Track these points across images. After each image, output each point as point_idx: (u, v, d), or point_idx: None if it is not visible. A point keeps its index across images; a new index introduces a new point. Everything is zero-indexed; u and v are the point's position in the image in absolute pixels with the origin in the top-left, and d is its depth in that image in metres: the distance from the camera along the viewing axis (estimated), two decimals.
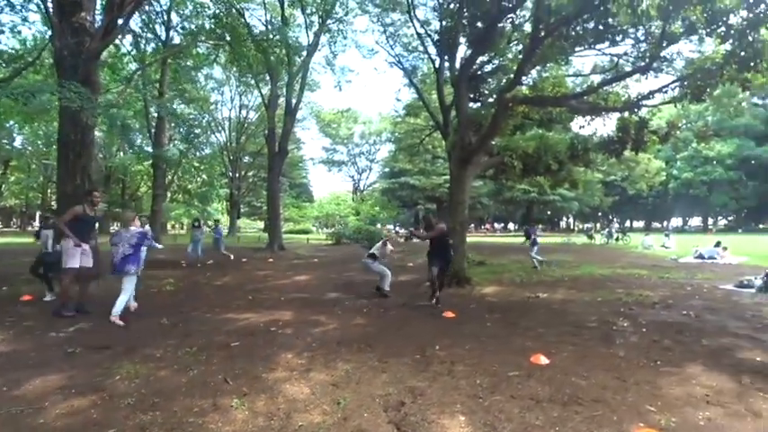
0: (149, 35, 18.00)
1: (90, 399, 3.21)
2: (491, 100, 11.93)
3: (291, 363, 4.10)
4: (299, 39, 20.91)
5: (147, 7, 16.12)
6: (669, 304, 7.09)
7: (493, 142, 10.31)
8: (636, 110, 9.62)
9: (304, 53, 20.09)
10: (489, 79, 11.76)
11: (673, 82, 8.70)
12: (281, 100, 22.70)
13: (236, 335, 5.12)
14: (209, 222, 14.63)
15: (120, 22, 10.54)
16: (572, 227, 68.26)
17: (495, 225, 70.50)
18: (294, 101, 21.82)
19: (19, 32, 15.41)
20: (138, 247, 6.22)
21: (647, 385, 3.57)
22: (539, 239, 13.74)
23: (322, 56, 23.38)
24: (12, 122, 26.56)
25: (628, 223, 67.03)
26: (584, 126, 11.48)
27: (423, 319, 6.19)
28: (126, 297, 5.93)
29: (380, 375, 3.78)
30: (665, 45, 8.26)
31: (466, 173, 9.19)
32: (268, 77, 21.41)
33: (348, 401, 3.19)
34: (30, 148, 33.82)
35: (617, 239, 27.28)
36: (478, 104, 12.11)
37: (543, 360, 4.16)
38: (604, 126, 14.21)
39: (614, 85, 10.38)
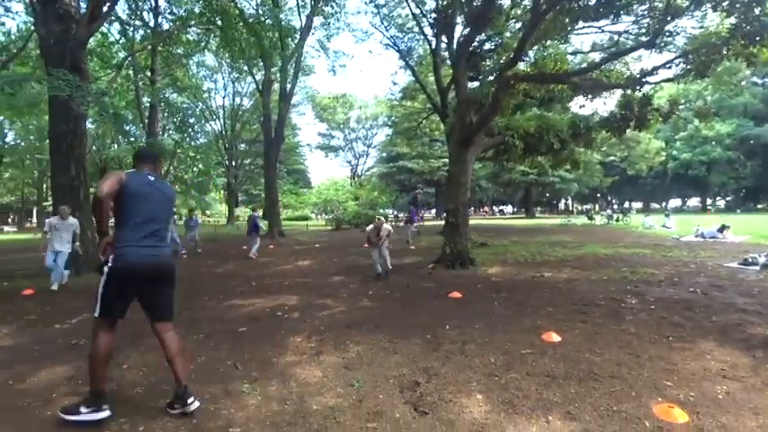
0: (137, 22, 17.56)
1: None
2: (490, 78, 11.77)
3: (301, 346, 4.04)
4: (291, 22, 20.57)
5: None
6: (675, 282, 7.05)
7: (493, 122, 10.18)
8: (638, 87, 9.48)
9: (297, 36, 19.74)
10: (488, 57, 11.54)
11: (677, 57, 8.53)
12: (276, 86, 22.38)
13: (243, 320, 5.06)
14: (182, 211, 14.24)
15: (105, 8, 10.26)
16: (570, 208, 68.29)
17: (494, 208, 70.48)
18: (289, 86, 21.54)
19: (2, 24, 15.09)
20: (254, 225, 12.69)
21: (661, 361, 3.54)
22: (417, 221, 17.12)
23: (315, 39, 23.07)
24: (2, 118, 26.16)
25: (626, 204, 67.12)
26: (584, 105, 11.40)
27: (429, 300, 6.14)
28: (255, 247, 12.41)
29: (392, 356, 3.72)
30: (669, 19, 8.09)
31: (467, 154, 9.06)
32: (261, 63, 21.06)
33: (362, 383, 3.13)
34: (22, 143, 33.31)
35: (617, 220, 27.30)
36: (477, 83, 11.91)
37: (555, 337, 4.13)
38: (604, 105, 14.07)
39: (615, 62, 10.22)
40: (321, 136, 58.83)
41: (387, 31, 21.43)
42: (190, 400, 2.70)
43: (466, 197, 8.98)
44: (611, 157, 45.37)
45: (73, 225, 7.67)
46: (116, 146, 34.53)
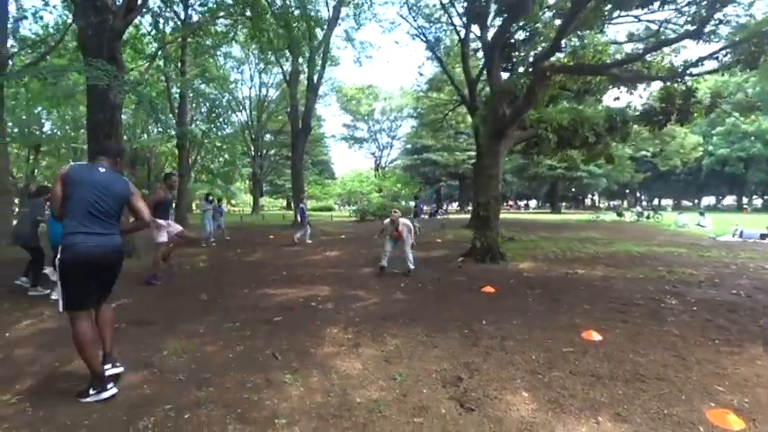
0: (168, 14, 17.81)
1: (141, 374, 3.17)
2: (521, 69, 11.48)
3: (338, 337, 4.04)
4: (318, 12, 20.53)
5: None
6: (716, 283, 6.80)
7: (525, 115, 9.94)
8: (679, 79, 9.11)
9: (325, 26, 19.70)
10: (521, 48, 11.23)
11: (724, 48, 8.14)
12: (302, 76, 22.44)
13: (277, 310, 5.09)
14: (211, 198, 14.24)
15: (140, 0, 10.42)
16: (597, 204, 66.68)
17: (518, 202, 69.47)
18: (316, 76, 21.54)
19: (41, 18, 15.54)
20: (303, 213, 13.32)
21: (709, 364, 3.43)
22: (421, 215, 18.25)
23: (342, 30, 22.98)
24: (40, 108, 27.09)
25: (656, 201, 65.09)
26: (618, 98, 11.03)
27: (462, 294, 6.08)
28: (301, 233, 13.09)
29: (431, 350, 3.69)
30: (718, 6, 7.73)
31: (499, 146, 8.87)
32: (288, 54, 21.12)
33: (404, 377, 3.10)
34: (58, 132, 34.49)
35: (648, 217, 26.49)
36: (509, 75, 11.63)
37: (596, 336, 4.04)
38: (640, 98, 13.58)
39: (656, 53, 9.84)
40: (345, 127, 58.91)
41: (414, 21, 21.21)
42: (107, 366, 2.91)
43: (497, 190, 8.82)
44: (643, 152, 43.86)
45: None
46: (146, 135, 35.51)
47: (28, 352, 3.66)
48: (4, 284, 6.34)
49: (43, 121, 34.43)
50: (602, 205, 64.27)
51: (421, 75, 26.85)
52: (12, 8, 13.88)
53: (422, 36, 21.46)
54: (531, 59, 10.17)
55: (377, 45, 49.10)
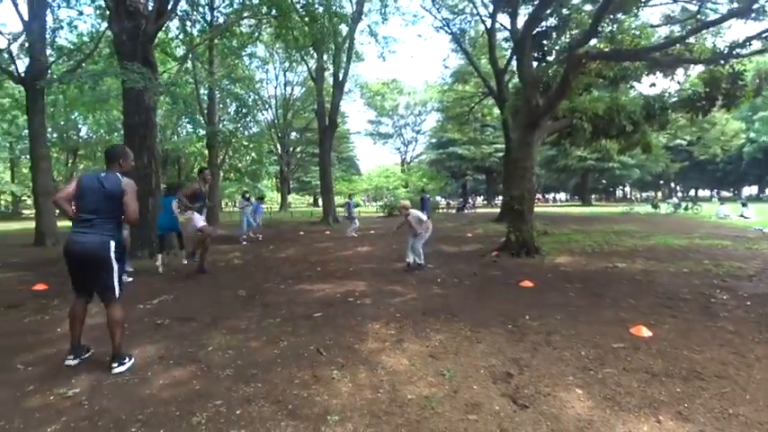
0: (195, 17, 18.14)
1: (189, 370, 3.21)
2: (550, 58, 11.13)
3: (381, 333, 4.02)
4: (344, 8, 20.50)
5: None
6: None
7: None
8: (723, 61, 8.65)
9: (349, 22, 19.70)
10: (552, 35, 10.88)
11: None
12: (327, 73, 22.54)
13: (316, 305, 5.11)
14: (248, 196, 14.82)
15: (170, 4, 10.65)
16: (629, 196, 64.58)
17: (546, 195, 68.07)
18: (341, 73, 21.59)
19: (75, 27, 16.12)
20: (350, 208, 15.35)
21: None
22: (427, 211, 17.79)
23: (365, 25, 22.93)
24: (76, 114, 28.16)
25: (692, 192, 62.53)
26: (654, 84, 10.57)
27: (500, 288, 5.99)
28: (351, 228, 14.51)
29: (477, 346, 3.63)
30: None
31: (533, 138, 8.65)
32: (313, 51, 21.21)
33: (453, 373, 3.05)
34: (94, 136, 35.82)
35: (685, 209, 25.45)
36: (539, 63, 11.30)
37: (646, 332, 3.88)
38: (678, 84, 13.06)
39: (697, 34, 9.38)
40: (370, 123, 59.08)
41: (438, 13, 21.00)
42: (114, 365, 3.22)
43: (532, 183, 8.61)
44: (678, 141, 42.05)
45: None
46: (176, 137, 36.43)
47: None
48: (52, 282, 6.59)
49: (80, 126, 35.88)
50: (634, 197, 62.21)
51: (446, 67, 26.62)
52: (48, 19, 14.44)
53: (446, 28, 21.27)
54: (564, 46, 9.85)
55: (400, 39, 48.94)
